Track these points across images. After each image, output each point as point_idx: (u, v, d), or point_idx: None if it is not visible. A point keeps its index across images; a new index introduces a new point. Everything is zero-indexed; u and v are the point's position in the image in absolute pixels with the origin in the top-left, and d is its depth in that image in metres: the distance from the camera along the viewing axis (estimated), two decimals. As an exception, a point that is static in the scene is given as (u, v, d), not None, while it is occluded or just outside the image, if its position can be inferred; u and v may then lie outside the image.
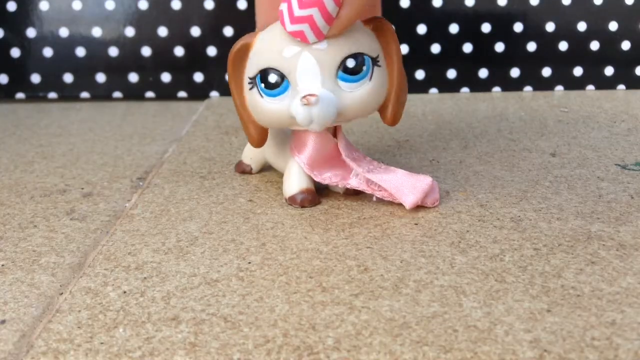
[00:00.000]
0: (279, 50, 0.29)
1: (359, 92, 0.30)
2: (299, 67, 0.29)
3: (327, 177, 0.32)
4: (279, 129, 0.35)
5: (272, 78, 0.30)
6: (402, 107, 0.32)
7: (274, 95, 0.30)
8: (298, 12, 0.28)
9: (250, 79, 0.31)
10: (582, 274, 0.25)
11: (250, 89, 0.31)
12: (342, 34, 0.29)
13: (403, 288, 0.25)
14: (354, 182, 0.32)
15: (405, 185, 0.31)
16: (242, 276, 0.26)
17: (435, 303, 0.23)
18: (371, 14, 0.32)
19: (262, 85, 0.30)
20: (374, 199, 0.33)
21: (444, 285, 0.25)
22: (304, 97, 0.28)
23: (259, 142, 0.33)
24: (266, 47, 0.30)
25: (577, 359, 0.20)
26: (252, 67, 0.31)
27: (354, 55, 0.29)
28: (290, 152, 0.33)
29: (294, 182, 0.33)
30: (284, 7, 0.28)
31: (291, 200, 0.33)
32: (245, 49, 0.31)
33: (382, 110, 0.31)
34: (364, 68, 0.30)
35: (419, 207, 0.32)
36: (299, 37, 0.29)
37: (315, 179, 0.32)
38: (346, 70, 0.29)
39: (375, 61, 0.30)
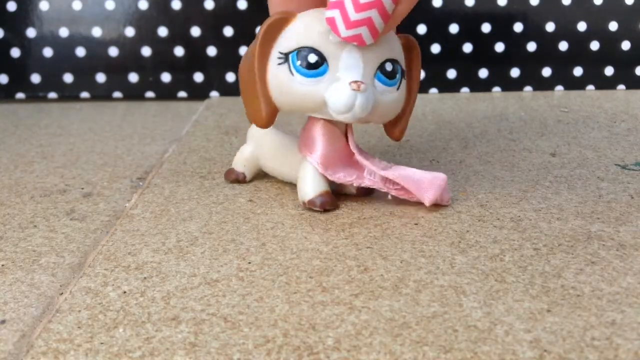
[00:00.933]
0: (325, 33, 0.29)
1: (389, 97, 0.31)
2: (343, 55, 0.29)
3: (342, 176, 0.32)
4: (278, 137, 0.35)
5: (312, 58, 0.29)
6: (407, 124, 0.34)
7: (310, 76, 0.29)
8: (355, 16, 0.28)
9: (283, 54, 0.30)
10: (582, 274, 0.25)
11: (280, 64, 0.30)
12: (391, 30, 0.30)
13: (403, 288, 0.25)
14: (368, 181, 0.32)
15: (423, 182, 0.31)
16: (242, 276, 0.26)
17: (435, 303, 0.23)
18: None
19: (298, 62, 0.29)
20: (389, 197, 0.32)
21: (444, 285, 0.25)
22: (354, 82, 0.29)
23: (267, 122, 0.31)
24: (310, 27, 0.30)
25: (577, 359, 0.20)
26: (286, 43, 0.30)
27: (392, 61, 0.30)
28: (300, 153, 0.32)
29: (310, 185, 0.32)
30: (335, 13, 0.28)
31: (310, 204, 0.32)
32: (282, 23, 0.30)
33: (391, 124, 0.33)
34: (397, 76, 0.31)
35: (418, 207, 0.32)
36: (355, 41, 0.29)
37: (329, 178, 0.32)
38: (384, 72, 0.30)
39: (404, 73, 0.31)
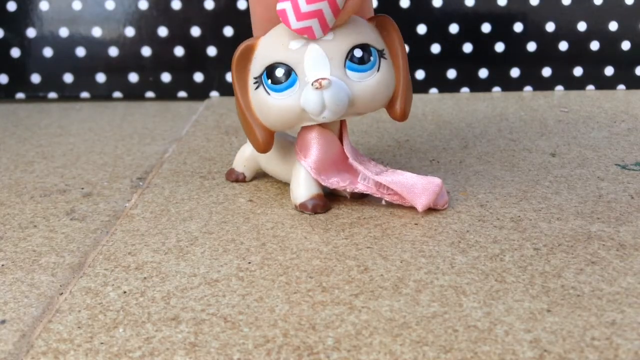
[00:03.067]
0: (285, 44, 0.29)
1: (368, 82, 0.30)
2: (306, 58, 0.29)
3: (335, 182, 0.32)
4: (276, 137, 0.35)
5: (279, 72, 0.30)
6: (410, 103, 0.32)
7: (281, 90, 0.30)
8: (306, 7, 0.28)
9: (256, 78, 0.31)
10: (582, 274, 0.25)
11: (256, 88, 0.31)
12: (345, 24, 0.29)
13: (403, 288, 0.25)
14: (362, 186, 0.32)
15: (416, 187, 0.31)
16: (242, 276, 0.26)
17: (435, 303, 0.23)
18: (366, 11, 0.32)
19: (269, 81, 0.30)
20: (383, 202, 0.32)
21: (444, 285, 0.25)
22: (316, 80, 0.28)
23: (265, 147, 0.32)
24: (271, 45, 0.30)
25: (577, 359, 0.20)
26: (256, 67, 0.31)
27: (361, 46, 0.30)
28: (296, 156, 0.32)
29: (303, 188, 0.32)
30: (286, 5, 0.28)
31: (302, 207, 0.32)
32: (249, 51, 0.31)
33: (390, 105, 0.32)
34: (372, 59, 0.30)
35: (419, 207, 0.32)
36: (305, 34, 0.28)
37: (322, 183, 0.32)
38: (354, 59, 0.29)
39: (381, 53, 0.30)
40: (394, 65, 0.31)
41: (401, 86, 0.31)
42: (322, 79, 0.28)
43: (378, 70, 0.30)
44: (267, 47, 0.30)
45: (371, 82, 0.30)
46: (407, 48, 0.61)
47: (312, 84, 0.29)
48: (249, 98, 0.31)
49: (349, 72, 0.29)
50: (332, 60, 0.29)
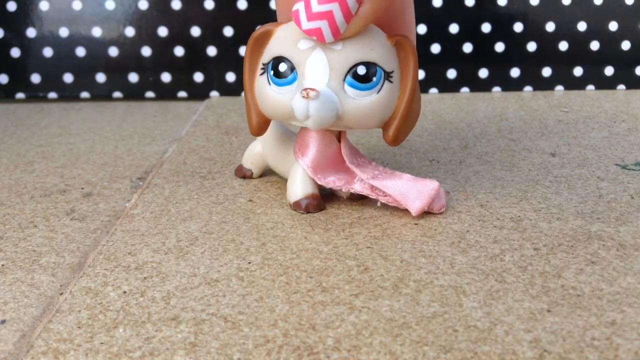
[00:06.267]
0: (295, 41, 0.29)
1: (363, 102, 0.29)
2: (308, 62, 0.29)
3: (331, 181, 0.32)
4: (280, 134, 0.35)
5: (282, 67, 0.30)
6: (408, 129, 0.31)
7: (281, 85, 0.30)
8: (317, 7, 0.28)
9: (264, 64, 0.31)
10: (582, 274, 0.25)
11: (261, 74, 0.31)
12: (358, 34, 0.29)
13: (403, 288, 0.25)
14: (357, 187, 0.32)
15: (411, 191, 0.31)
16: (242, 276, 0.26)
17: (435, 303, 0.23)
18: (396, 29, 0.31)
19: (272, 72, 0.30)
20: (379, 204, 0.32)
21: (444, 285, 0.25)
22: (305, 89, 0.28)
23: (258, 131, 0.32)
24: (284, 37, 0.30)
25: (577, 359, 0.20)
26: (267, 54, 0.31)
27: (367, 64, 0.29)
28: (294, 155, 0.33)
29: (299, 187, 0.32)
30: (300, 6, 0.28)
31: (296, 206, 0.32)
32: (266, 36, 0.31)
33: (385, 128, 0.31)
34: (374, 79, 0.29)
35: (419, 207, 0.32)
36: (315, 35, 0.28)
37: (318, 182, 0.32)
38: (355, 76, 0.29)
39: (388, 76, 0.29)
40: (400, 89, 0.30)
41: (401, 112, 0.30)
42: (311, 89, 0.28)
43: (378, 92, 0.29)
44: (281, 39, 0.30)
45: (366, 102, 0.29)
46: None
47: (300, 92, 0.28)
48: (254, 80, 0.31)
49: (346, 87, 0.29)
50: (332, 70, 0.29)
